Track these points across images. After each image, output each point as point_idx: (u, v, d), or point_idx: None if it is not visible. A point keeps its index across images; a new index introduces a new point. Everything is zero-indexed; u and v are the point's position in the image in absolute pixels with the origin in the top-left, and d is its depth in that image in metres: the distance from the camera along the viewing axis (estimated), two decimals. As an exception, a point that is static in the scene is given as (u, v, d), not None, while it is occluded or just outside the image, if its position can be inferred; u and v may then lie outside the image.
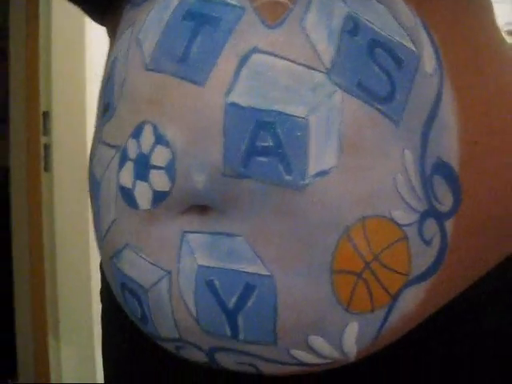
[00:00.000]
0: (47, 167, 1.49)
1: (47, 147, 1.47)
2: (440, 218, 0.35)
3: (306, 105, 0.33)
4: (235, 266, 0.34)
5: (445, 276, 0.36)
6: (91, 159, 0.42)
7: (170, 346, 0.39)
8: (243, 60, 0.34)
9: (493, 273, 0.38)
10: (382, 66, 0.34)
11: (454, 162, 0.35)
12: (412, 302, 0.35)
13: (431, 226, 0.35)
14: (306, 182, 0.33)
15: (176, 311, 0.36)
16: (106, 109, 0.40)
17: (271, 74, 0.34)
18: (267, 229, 0.33)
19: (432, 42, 0.37)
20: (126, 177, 0.37)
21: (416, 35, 0.36)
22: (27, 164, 1.55)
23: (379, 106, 0.34)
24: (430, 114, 0.35)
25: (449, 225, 0.35)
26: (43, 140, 1.49)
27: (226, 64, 0.34)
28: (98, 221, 0.40)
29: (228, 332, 0.35)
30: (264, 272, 0.34)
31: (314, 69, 0.34)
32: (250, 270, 0.34)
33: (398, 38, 0.35)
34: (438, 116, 0.35)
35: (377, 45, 0.35)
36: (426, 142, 0.35)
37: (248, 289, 0.34)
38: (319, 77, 0.34)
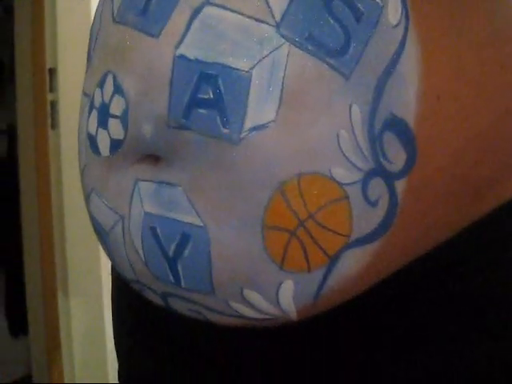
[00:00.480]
0: (54, 124, 1.46)
1: (54, 104, 1.45)
2: (389, 177, 0.34)
3: (251, 58, 0.33)
4: (173, 215, 0.35)
5: (395, 239, 0.34)
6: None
7: (137, 289, 0.41)
8: (195, 12, 0.34)
9: (455, 239, 0.36)
10: (337, 18, 0.33)
11: (410, 118, 0.34)
12: (354, 265, 0.34)
13: (378, 185, 0.33)
14: (242, 135, 0.33)
15: (129, 254, 0.37)
16: (88, 58, 0.42)
17: (220, 27, 0.33)
18: (203, 181, 0.34)
19: None
20: (92, 124, 0.38)
21: None
22: (34, 122, 1.54)
23: (329, 60, 0.33)
24: (387, 68, 0.33)
25: (400, 185, 0.34)
26: (50, 97, 1.47)
27: (179, 16, 0.34)
28: (79, 159, 0.43)
29: (171, 278, 0.36)
30: (198, 223, 0.34)
31: (262, 22, 0.33)
32: (186, 219, 0.34)
33: None
34: (397, 69, 0.33)
35: None
36: (380, 96, 0.33)
37: (184, 238, 0.34)
38: (267, 30, 0.33)
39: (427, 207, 0.35)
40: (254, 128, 0.32)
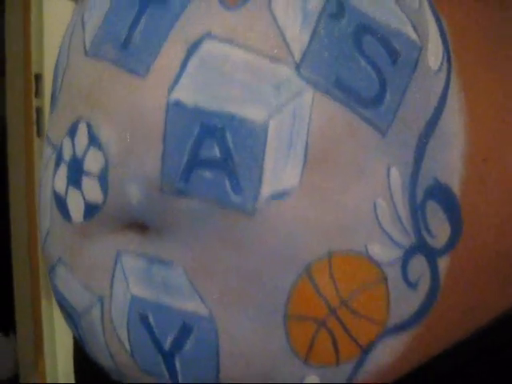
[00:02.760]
0: (39, 132, 1.40)
1: (39, 111, 1.38)
2: (431, 254, 0.27)
3: (266, 106, 0.25)
4: (171, 301, 0.27)
5: (434, 323, 0.28)
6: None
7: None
8: (192, 47, 0.26)
9: (499, 322, 0.30)
10: (370, 58, 0.26)
11: (455, 185, 0.27)
12: (389, 355, 0.28)
13: (419, 264, 0.27)
14: (259, 205, 0.25)
15: (110, 344, 0.29)
16: (52, 99, 0.33)
17: (225, 67, 0.26)
18: (209, 259, 0.26)
19: (440, 29, 0.28)
20: (60, 181, 0.30)
21: (420, 20, 0.28)
22: (22, 131, 1.47)
23: (362, 111, 0.26)
24: (429, 122, 0.27)
25: (442, 263, 0.27)
26: (35, 103, 1.41)
27: (171, 52, 0.27)
28: (39, 222, 0.34)
29: (166, 375, 0.28)
30: (203, 311, 0.26)
31: (279, 61, 0.26)
32: (187, 307, 0.27)
33: (395, 24, 0.27)
34: (439, 124, 0.27)
35: (366, 31, 0.26)
36: (421, 157, 0.26)
37: (185, 330, 0.27)
38: (285, 71, 0.26)
39: (470, 287, 0.28)
40: (273, 196, 0.25)
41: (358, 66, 0.26)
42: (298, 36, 0.26)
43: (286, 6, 0.26)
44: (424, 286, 0.27)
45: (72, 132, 0.29)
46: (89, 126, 0.28)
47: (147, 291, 0.27)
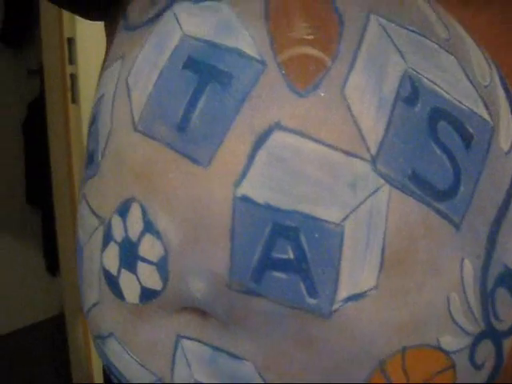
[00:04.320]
0: (74, 99, 1.32)
1: (73, 77, 1.30)
2: (497, 337, 0.27)
3: (342, 206, 0.24)
4: None
5: None
6: (78, 209, 0.33)
7: None
8: (260, 139, 0.24)
9: None
10: (445, 146, 0.25)
11: None
12: None
13: (486, 348, 0.27)
14: (335, 307, 0.24)
15: None
16: (90, 159, 0.31)
17: (297, 162, 0.24)
18: (283, 358, 0.25)
19: (511, 105, 0.27)
20: (111, 260, 0.28)
21: (491, 97, 0.26)
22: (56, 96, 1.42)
23: (437, 205, 0.25)
24: (501, 207, 0.26)
25: (507, 343, 0.27)
26: (69, 70, 1.32)
27: (236, 142, 0.25)
28: (81, 286, 0.32)
29: None
30: None
31: (354, 155, 0.24)
32: None
33: (468, 104, 0.25)
34: (510, 208, 0.26)
35: (441, 116, 0.25)
36: (493, 246, 0.26)
37: None
38: (361, 167, 0.24)
39: None
40: (350, 298, 0.24)
41: (434, 157, 0.25)
42: (373, 127, 0.24)
43: (360, 91, 0.24)
44: (489, 365, 0.27)
45: (123, 212, 0.27)
46: (143, 209, 0.26)
47: (213, 380, 0.27)
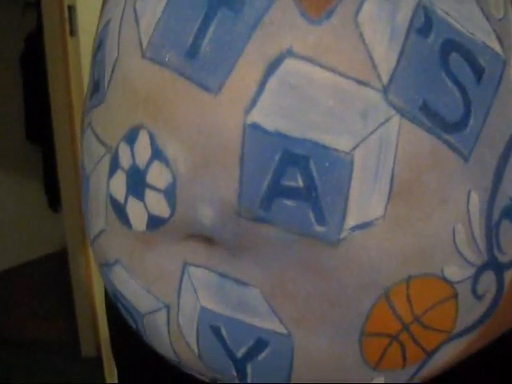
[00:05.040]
0: (72, 31, 1.28)
1: (71, 9, 1.26)
2: (500, 269, 0.27)
3: (352, 135, 0.24)
4: (246, 319, 0.27)
5: (494, 323, 0.29)
6: (81, 137, 0.33)
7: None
8: (272, 66, 0.24)
9: None
10: (456, 78, 0.24)
11: None
12: (450, 355, 0.28)
13: (488, 279, 0.27)
14: (342, 235, 0.24)
15: (175, 344, 0.29)
16: (96, 87, 0.30)
17: (309, 89, 0.24)
18: (290, 284, 0.25)
19: None
20: (118, 188, 0.28)
21: (504, 30, 0.26)
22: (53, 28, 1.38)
23: (447, 137, 0.24)
24: (509, 142, 0.26)
25: (509, 275, 0.27)
26: (66, 1, 1.28)
27: (247, 69, 0.24)
28: (87, 214, 0.32)
29: (234, 374, 0.29)
30: (281, 330, 0.26)
31: (366, 84, 0.24)
32: (264, 325, 0.26)
33: (481, 37, 0.25)
34: None
35: (453, 48, 0.24)
36: (500, 179, 0.26)
37: (260, 343, 0.27)
38: (373, 96, 0.24)
39: None
40: (358, 226, 0.24)
41: (445, 88, 0.24)
42: (385, 56, 0.24)
43: (373, 19, 0.23)
44: (489, 296, 0.27)
45: (131, 139, 0.27)
46: (151, 136, 0.26)
47: (219, 306, 0.27)
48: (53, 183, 1.91)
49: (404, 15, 0.24)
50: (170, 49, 0.25)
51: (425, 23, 0.24)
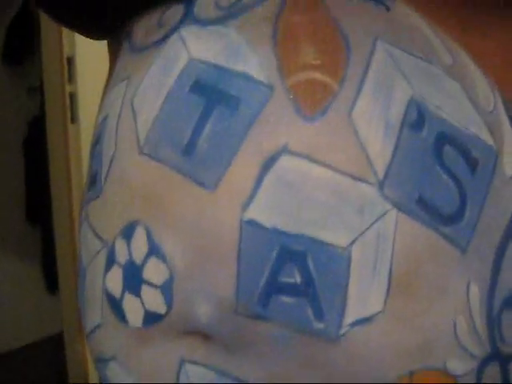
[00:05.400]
0: (74, 118, 1.32)
1: (73, 96, 1.30)
2: (504, 360, 0.26)
3: (349, 230, 0.24)
4: None
5: None
6: (79, 228, 0.33)
7: None
8: (268, 162, 0.24)
9: None
10: (451, 171, 0.24)
11: None
12: None
13: (492, 371, 0.26)
14: (342, 331, 0.24)
15: None
16: (93, 180, 0.30)
17: (305, 186, 0.24)
18: (289, 382, 0.25)
19: None
20: (114, 283, 0.28)
21: (495, 123, 0.26)
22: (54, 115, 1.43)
23: (443, 229, 0.24)
24: (505, 233, 0.26)
25: None
26: (68, 88, 1.32)
27: (244, 166, 0.24)
28: (83, 306, 0.32)
29: None
30: None
31: (362, 180, 0.24)
32: None
33: (473, 130, 0.25)
34: None
35: (447, 141, 0.25)
36: (499, 269, 0.25)
37: None
38: (368, 191, 0.24)
39: None
40: (357, 322, 0.24)
41: (440, 181, 0.24)
42: (380, 151, 0.24)
43: (367, 115, 0.24)
44: None
45: (127, 235, 0.27)
46: (148, 232, 0.26)
47: None
48: (51, 265, 1.90)
49: (397, 111, 0.24)
50: (167, 145, 0.26)
51: (418, 118, 0.24)
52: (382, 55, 0.25)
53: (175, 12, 0.29)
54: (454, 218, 0.24)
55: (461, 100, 0.25)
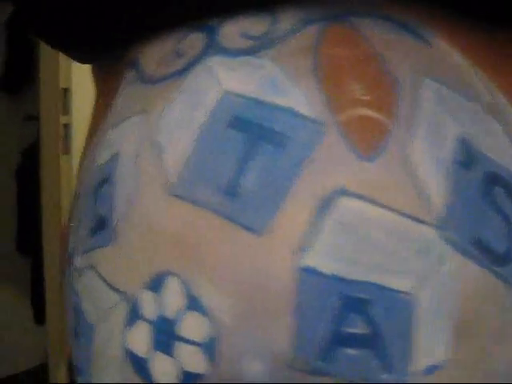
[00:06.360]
0: (67, 149, 1.27)
1: (67, 127, 1.25)
2: None
3: (412, 274, 0.22)
4: None
5: None
6: (71, 275, 0.29)
7: None
8: (324, 204, 0.22)
9: None
10: (501, 211, 0.24)
11: None
12: None
13: None
14: (409, 381, 0.22)
15: None
16: (100, 225, 0.27)
17: (365, 229, 0.22)
18: None
19: None
20: (139, 341, 0.24)
21: None
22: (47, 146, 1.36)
23: (498, 269, 0.23)
24: None
25: None
26: (62, 119, 1.27)
27: (296, 208, 0.22)
28: (87, 366, 0.28)
29: None
30: None
31: (421, 221, 0.22)
32: None
33: None
34: None
35: (496, 181, 0.24)
36: None
37: None
38: (428, 233, 0.22)
39: None
40: (425, 370, 0.22)
41: (493, 221, 0.24)
42: (436, 191, 0.23)
43: (422, 155, 0.23)
44: None
45: (156, 286, 0.24)
46: (184, 283, 0.23)
47: None
48: (39, 296, 1.82)
49: (448, 149, 0.23)
50: (205, 186, 0.23)
51: (467, 157, 0.24)
52: (430, 93, 0.24)
53: (195, 40, 0.26)
54: (505, 258, 0.24)
55: (503, 139, 0.25)
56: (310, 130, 0.23)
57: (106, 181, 0.27)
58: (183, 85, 0.25)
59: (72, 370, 0.35)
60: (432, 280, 0.22)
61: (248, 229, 0.22)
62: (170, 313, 0.23)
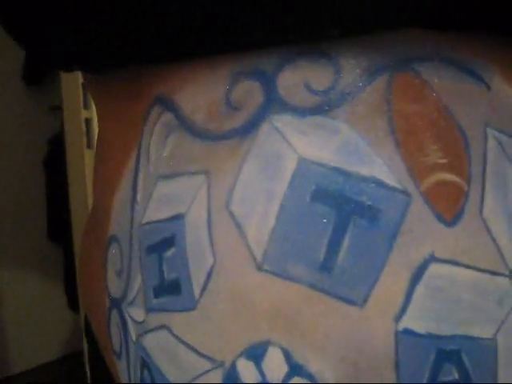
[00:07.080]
0: (89, 144, 1.20)
1: (88, 122, 1.17)
2: None
3: (493, 321, 0.24)
4: None
5: None
6: (123, 319, 0.29)
7: None
8: (417, 273, 0.23)
9: None
10: None
11: None
12: None
13: None
14: None
15: None
16: (173, 289, 0.27)
17: (454, 290, 0.24)
18: None
19: None
20: (240, 405, 0.25)
21: None
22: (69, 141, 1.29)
23: None
24: None
25: None
26: (84, 114, 1.17)
27: (393, 279, 0.23)
28: None
29: None
30: None
31: (498, 273, 0.24)
32: None
33: None
34: None
35: None
36: None
37: None
38: (504, 283, 0.24)
39: None
40: None
41: None
42: (508, 243, 0.25)
43: (494, 212, 0.24)
44: None
45: (255, 356, 0.24)
46: (286, 353, 0.24)
47: None
48: (73, 284, 1.86)
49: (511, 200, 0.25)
50: (297, 262, 0.24)
51: None
52: (493, 144, 0.25)
53: (251, 91, 0.25)
54: None
55: None
56: (398, 201, 0.23)
57: (170, 243, 0.26)
58: (252, 149, 0.24)
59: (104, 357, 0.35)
60: (508, 323, 0.25)
61: (348, 302, 0.23)
62: (273, 379, 0.24)
